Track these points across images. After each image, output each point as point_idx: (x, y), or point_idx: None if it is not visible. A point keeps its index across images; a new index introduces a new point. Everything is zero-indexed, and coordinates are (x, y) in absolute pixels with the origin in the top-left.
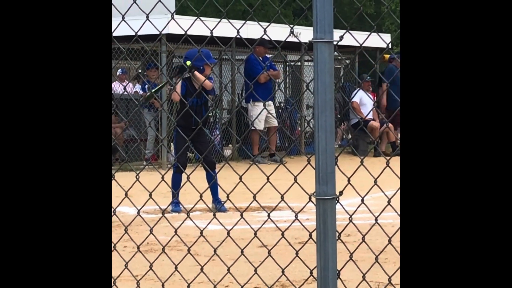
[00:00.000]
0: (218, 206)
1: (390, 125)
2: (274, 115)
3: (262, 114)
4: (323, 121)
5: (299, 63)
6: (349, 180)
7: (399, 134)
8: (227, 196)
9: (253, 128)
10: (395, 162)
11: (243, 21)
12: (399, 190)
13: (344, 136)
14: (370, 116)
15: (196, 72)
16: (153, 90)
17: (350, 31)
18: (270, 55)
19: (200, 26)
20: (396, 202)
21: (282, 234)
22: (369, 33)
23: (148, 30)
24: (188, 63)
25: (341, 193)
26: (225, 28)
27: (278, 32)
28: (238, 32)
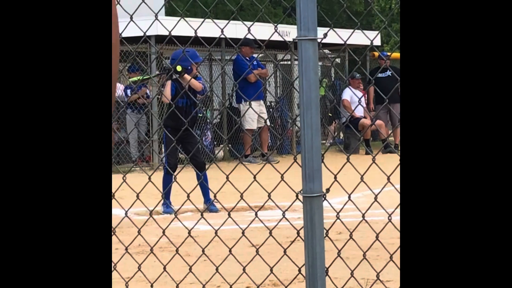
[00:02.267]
0: (209, 206)
1: (381, 122)
2: (266, 114)
3: (254, 114)
4: (308, 119)
5: (289, 62)
6: (335, 178)
7: (390, 131)
8: (215, 196)
9: (245, 128)
10: (385, 159)
11: (233, 21)
12: (385, 187)
13: (335, 134)
14: (362, 113)
15: (186, 76)
16: (143, 77)
17: (340, 29)
18: (261, 55)
19: (189, 27)
20: (386, 199)
21: (270, 233)
22: (359, 31)
23: (137, 31)
24: (179, 68)
25: (327, 190)
26: (215, 29)
27: (267, 31)
28: (222, 31)
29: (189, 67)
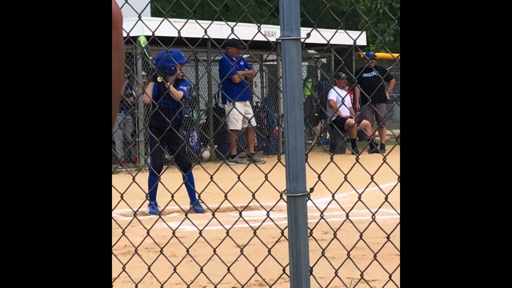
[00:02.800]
0: (195, 207)
1: (367, 122)
2: (252, 115)
3: (239, 114)
4: (292, 119)
5: (275, 62)
6: (319, 177)
7: (377, 132)
8: (199, 196)
9: (230, 128)
10: (372, 159)
11: (219, 22)
12: (371, 187)
13: (321, 134)
14: (347, 113)
15: (167, 83)
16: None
17: (326, 29)
18: (247, 55)
19: (176, 27)
20: (370, 198)
21: (254, 233)
22: (344, 30)
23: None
24: (159, 79)
25: (311, 190)
26: (201, 29)
27: (253, 31)
28: (205, 32)
29: (173, 68)
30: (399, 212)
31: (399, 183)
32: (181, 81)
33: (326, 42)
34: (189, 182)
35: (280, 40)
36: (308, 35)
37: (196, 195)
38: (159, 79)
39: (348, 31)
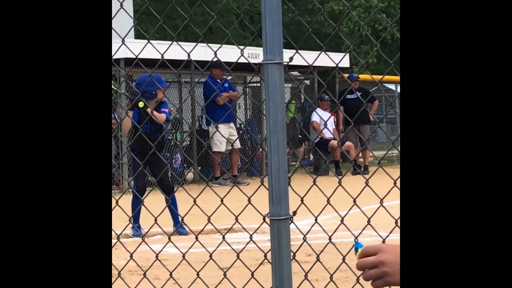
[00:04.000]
0: (179, 229)
1: (351, 143)
2: (236, 136)
3: (223, 136)
4: (275, 142)
5: (259, 84)
6: (302, 200)
7: (360, 153)
8: (182, 219)
9: (213, 150)
10: (355, 181)
11: (203, 44)
12: (354, 209)
13: (305, 156)
14: (330, 135)
15: (148, 110)
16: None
17: (310, 51)
18: (230, 77)
19: (159, 50)
20: (354, 220)
21: (238, 256)
22: (328, 52)
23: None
24: (141, 104)
25: (294, 213)
26: (184, 51)
27: (237, 54)
28: (189, 55)
29: (154, 92)
30: (380, 234)
31: (381, 206)
32: (162, 103)
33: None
34: (172, 205)
35: (263, 64)
36: (291, 59)
37: (180, 218)
38: (140, 104)
39: (331, 53)
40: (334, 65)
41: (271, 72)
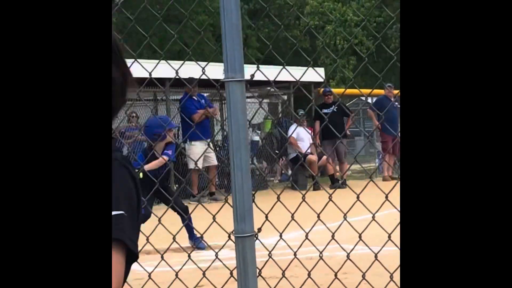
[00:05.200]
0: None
1: (325, 158)
2: (213, 153)
3: (199, 154)
4: (238, 160)
5: None
6: (267, 217)
7: (338, 167)
8: (147, 239)
9: (191, 167)
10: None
11: (179, 61)
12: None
13: (283, 172)
14: (308, 150)
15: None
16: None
17: (287, 67)
18: (207, 94)
19: (137, 69)
20: (320, 234)
21: (203, 274)
22: (303, 68)
23: None
24: (141, 175)
25: (259, 230)
26: (161, 69)
27: (214, 70)
28: (150, 72)
29: (163, 134)
30: (345, 248)
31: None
32: (168, 144)
33: (287, 79)
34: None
35: (224, 82)
36: (252, 76)
37: (195, 232)
38: (140, 175)
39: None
40: (309, 80)
41: (232, 90)
